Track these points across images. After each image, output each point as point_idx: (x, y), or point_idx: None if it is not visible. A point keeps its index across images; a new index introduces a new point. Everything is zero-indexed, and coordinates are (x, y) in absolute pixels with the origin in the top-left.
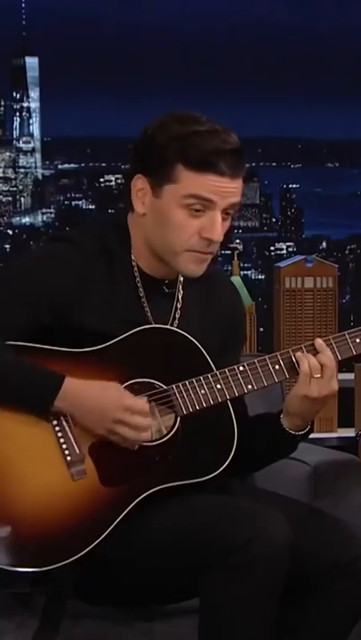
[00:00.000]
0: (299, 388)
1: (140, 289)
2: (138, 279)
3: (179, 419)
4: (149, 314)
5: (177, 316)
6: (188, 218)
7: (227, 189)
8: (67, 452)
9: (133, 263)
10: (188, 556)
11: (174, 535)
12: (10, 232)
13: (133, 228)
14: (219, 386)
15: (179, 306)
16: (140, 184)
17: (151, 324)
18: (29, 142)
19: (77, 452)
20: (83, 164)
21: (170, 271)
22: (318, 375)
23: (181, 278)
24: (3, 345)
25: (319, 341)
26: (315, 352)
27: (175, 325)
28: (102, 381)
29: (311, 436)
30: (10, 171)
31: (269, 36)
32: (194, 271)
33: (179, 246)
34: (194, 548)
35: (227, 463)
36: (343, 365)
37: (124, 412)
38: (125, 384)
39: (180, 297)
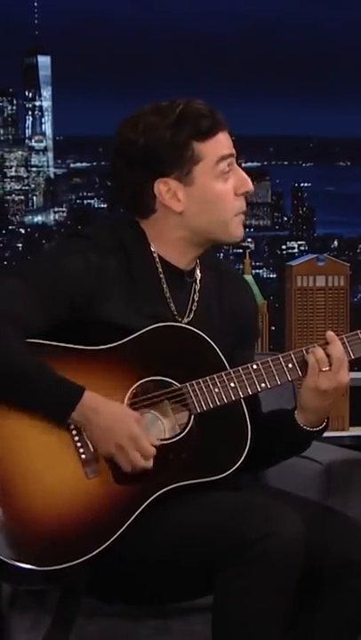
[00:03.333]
0: (308, 382)
1: (163, 279)
2: (160, 269)
3: (193, 417)
4: (172, 304)
5: (195, 304)
6: (223, 184)
7: (229, 140)
8: (81, 450)
9: (155, 254)
10: (202, 553)
11: (188, 532)
12: (22, 231)
13: (152, 228)
14: (233, 384)
15: (197, 296)
16: (163, 187)
17: (173, 313)
18: (41, 141)
19: (92, 450)
20: (95, 163)
21: (194, 259)
22: (326, 368)
23: (198, 267)
24: (23, 345)
25: (330, 333)
26: (326, 344)
27: (193, 315)
28: (124, 406)
29: (323, 434)
30: (22, 169)
31: (280, 36)
32: (241, 234)
33: (229, 213)
34: (207, 545)
35: (241, 461)
36: (354, 364)
37: (129, 440)
38: (140, 382)
39: (198, 286)
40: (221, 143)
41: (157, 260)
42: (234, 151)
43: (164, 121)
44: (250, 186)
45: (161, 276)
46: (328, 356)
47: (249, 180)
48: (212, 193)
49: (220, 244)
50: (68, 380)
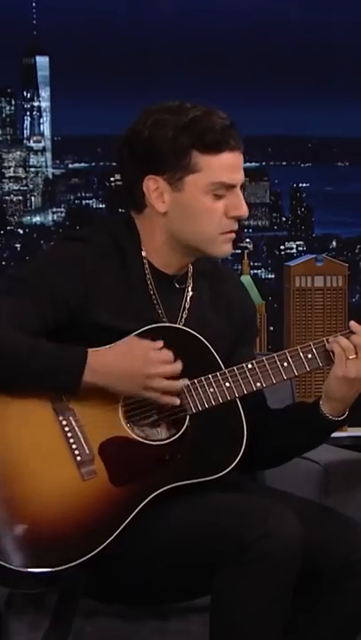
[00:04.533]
0: (336, 371)
1: (151, 285)
2: (149, 275)
3: (188, 417)
4: (161, 310)
5: (186, 311)
6: (213, 202)
7: (238, 163)
8: (76, 452)
9: (145, 260)
10: (200, 553)
11: (186, 533)
12: (20, 231)
13: (146, 227)
14: (228, 384)
15: (188, 302)
16: (152, 185)
17: (162, 319)
18: (40, 141)
19: (87, 452)
20: (93, 164)
21: (182, 266)
22: (353, 355)
23: (191, 273)
24: (18, 334)
25: (353, 323)
26: (349, 334)
27: (184, 321)
28: (122, 341)
29: (345, 424)
30: (20, 170)
31: (281, 36)
32: (228, 252)
33: (212, 231)
34: (206, 546)
35: (237, 461)
36: None
37: (152, 365)
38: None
39: (189, 293)
40: (224, 164)
41: (146, 265)
42: (238, 180)
43: (173, 120)
44: (243, 211)
45: (149, 281)
46: (354, 344)
47: (245, 206)
48: (198, 206)
49: (205, 256)
50: (68, 347)
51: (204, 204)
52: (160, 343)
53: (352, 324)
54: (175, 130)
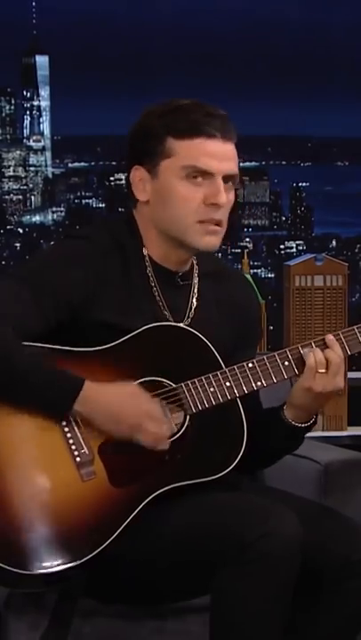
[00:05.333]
0: (303, 381)
1: (154, 282)
2: (150, 272)
3: (188, 417)
4: (163, 306)
5: (192, 308)
6: (190, 188)
7: (220, 151)
8: (76, 452)
9: (145, 256)
10: (200, 553)
11: (186, 533)
12: (20, 230)
13: (141, 221)
14: (228, 383)
15: (194, 299)
16: (138, 175)
17: (164, 316)
18: (40, 141)
19: (87, 453)
20: (93, 163)
21: (181, 261)
22: (323, 370)
23: (197, 272)
24: (20, 346)
25: (330, 337)
26: (324, 347)
27: (190, 319)
28: (121, 384)
29: (322, 434)
30: (20, 169)
31: (280, 36)
32: (209, 243)
33: (188, 218)
34: (205, 546)
35: (236, 461)
36: (354, 364)
37: (142, 417)
38: (135, 382)
39: (195, 290)
40: (200, 150)
41: (148, 260)
42: (215, 168)
43: (157, 111)
44: (221, 199)
45: (151, 277)
46: (326, 359)
47: (223, 194)
48: (173, 192)
49: (190, 249)
50: (67, 373)
51: (179, 189)
52: (158, 405)
53: (329, 338)
54: (155, 118)
